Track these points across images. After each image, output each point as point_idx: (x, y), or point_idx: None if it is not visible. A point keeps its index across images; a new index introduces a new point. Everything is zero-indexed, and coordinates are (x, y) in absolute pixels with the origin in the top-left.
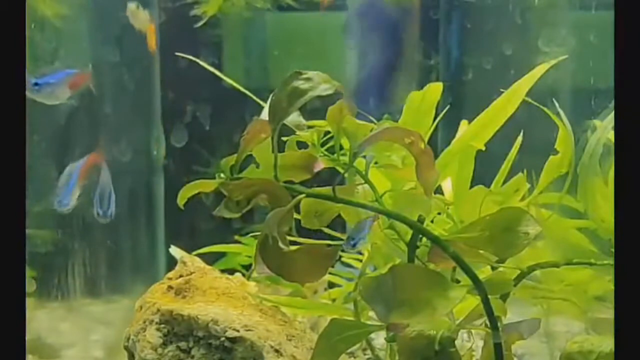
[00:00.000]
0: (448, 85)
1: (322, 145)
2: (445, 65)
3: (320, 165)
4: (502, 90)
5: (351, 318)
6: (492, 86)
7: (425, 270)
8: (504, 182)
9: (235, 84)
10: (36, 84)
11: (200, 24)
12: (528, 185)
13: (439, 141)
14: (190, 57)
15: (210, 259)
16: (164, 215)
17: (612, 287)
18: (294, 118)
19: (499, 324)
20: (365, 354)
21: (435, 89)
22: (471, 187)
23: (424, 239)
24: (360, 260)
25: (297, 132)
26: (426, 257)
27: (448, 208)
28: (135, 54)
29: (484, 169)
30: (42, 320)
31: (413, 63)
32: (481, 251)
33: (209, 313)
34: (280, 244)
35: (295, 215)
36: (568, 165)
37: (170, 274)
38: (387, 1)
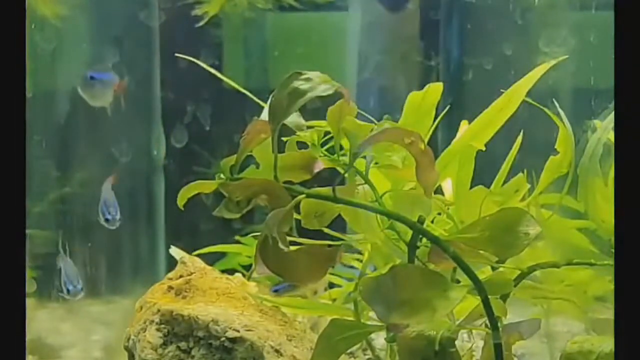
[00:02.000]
0: (448, 86)
1: (322, 145)
2: (445, 66)
3: (321, 165)
4: (502, 90)
5: (351, 318)
6: (492, 86)
7: (426, 271)
8: (504, 182)
9: (234, 85)
10: (92, 77)
11: (201, 23)
12: (528, 186)
13: (439, 141)
14: (190, 58)
15: (211, 259)
16: (164, 215)
17: (612, 287)
18: (294, 118)
19: (499, 324)
20: (365, 354)
21: (435, 89)
22: (471, 187)
23: (424, 240)
24: (361, 261)
25: (297, 133)
26: (426, 258)
27: (448, 208)
28: (135, 54)
29: (484, 169)
30: (42, 320)
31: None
32: (481, 251)
33: (209, 313)
34: (280, 245)
35: (295, 216)
36: (568, 166)
37: (170, 274)
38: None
